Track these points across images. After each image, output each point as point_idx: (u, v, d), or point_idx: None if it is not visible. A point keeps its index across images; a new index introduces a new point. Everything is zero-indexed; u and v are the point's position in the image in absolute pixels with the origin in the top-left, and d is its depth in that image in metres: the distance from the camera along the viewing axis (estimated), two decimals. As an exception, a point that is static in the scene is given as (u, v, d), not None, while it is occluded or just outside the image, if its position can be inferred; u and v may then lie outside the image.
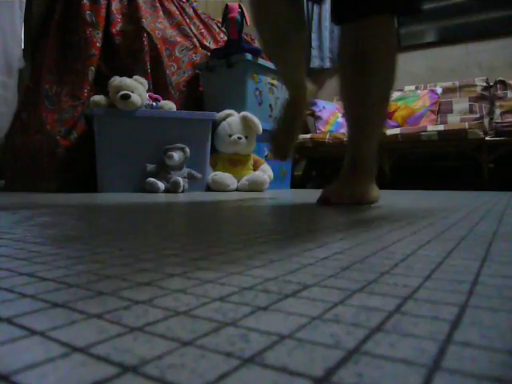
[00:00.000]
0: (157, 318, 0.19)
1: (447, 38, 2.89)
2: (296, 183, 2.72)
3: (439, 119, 2.60)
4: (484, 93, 2.56)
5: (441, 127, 2.26)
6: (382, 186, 1.04)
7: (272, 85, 2.35)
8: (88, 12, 2.02)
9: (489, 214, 0.66)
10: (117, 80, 1.79)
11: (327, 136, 2.59)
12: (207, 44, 2.51)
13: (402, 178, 2.54)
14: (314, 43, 3.17)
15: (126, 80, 1.78)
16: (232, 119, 2.04)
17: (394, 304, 0.20)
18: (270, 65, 2.06)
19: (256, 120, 2.03)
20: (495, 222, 0.55)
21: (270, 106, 2.37)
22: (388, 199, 1.17)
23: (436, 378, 0.13)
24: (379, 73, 0.91)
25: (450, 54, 2.83)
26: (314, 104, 2.89)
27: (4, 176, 2.10)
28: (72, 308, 0.20)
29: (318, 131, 2.83)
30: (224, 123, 2.04)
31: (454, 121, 2.56)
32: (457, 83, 2.65)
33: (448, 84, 2.68)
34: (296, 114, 1.07)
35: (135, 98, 1.75)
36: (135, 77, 1.84)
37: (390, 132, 2.39)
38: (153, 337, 0.16)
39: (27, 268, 0.29)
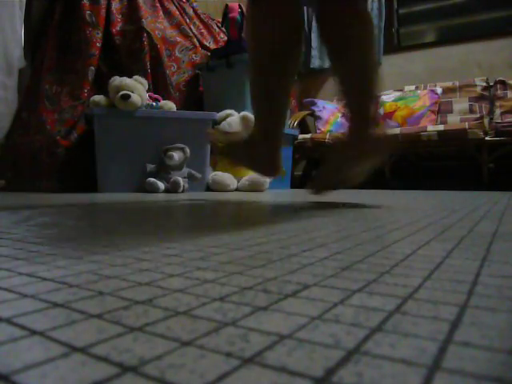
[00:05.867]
0: (157, 318, 0.19)
1: (447, 38, 2.89)
2: (296, 183, 2.72)
3: (439, 119, 2.60)
4: (484, 93, 2.55)
5: (441, 127, 2.26)
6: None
7: (272, 85, 2.35)
8: (88, 12, 2.02)
9: (489, 214, 0.66)
10: (117, 80, 1.79)
11: (327, 136, 2.59)
12: (207, 44, 2.51)
13: (402, 178, 2.54)
14: (314, 43, 3.17)
15: (126, 80, 1.78)
16: (232, 119, 2.04)
17: (394, 304, 0.20)
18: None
19: (256, 120, 2.03)
20: (495, 222, 0.54)
21: (270, 106, 2.36)
22: (388, 199, 1.17)
23: (436, 378, 0.13)
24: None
25: (450, 54, 2.83)
26: (314, 104, 2.89)
27: (4, 176, 2.10)
28: (72, 308, 0.20)
29: (318, 131, 2.83)
30: (224, 123, 2.04)
31: (454, 121, 2.55)
32: (457, 83, 2.65)
33: (448, 84, 2.68)
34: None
35: (135, 98, 1.75)
36: (135, 77, 1.84)
37: (389, 132, 2.39)
38: (153, 337, 0.16)
39: (27, 268, 0.29)
